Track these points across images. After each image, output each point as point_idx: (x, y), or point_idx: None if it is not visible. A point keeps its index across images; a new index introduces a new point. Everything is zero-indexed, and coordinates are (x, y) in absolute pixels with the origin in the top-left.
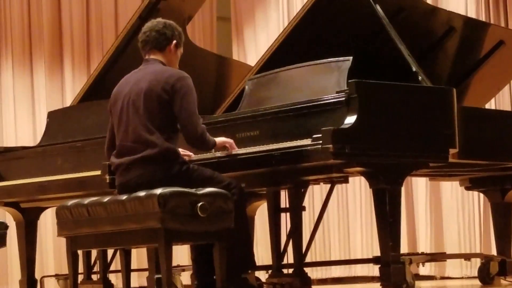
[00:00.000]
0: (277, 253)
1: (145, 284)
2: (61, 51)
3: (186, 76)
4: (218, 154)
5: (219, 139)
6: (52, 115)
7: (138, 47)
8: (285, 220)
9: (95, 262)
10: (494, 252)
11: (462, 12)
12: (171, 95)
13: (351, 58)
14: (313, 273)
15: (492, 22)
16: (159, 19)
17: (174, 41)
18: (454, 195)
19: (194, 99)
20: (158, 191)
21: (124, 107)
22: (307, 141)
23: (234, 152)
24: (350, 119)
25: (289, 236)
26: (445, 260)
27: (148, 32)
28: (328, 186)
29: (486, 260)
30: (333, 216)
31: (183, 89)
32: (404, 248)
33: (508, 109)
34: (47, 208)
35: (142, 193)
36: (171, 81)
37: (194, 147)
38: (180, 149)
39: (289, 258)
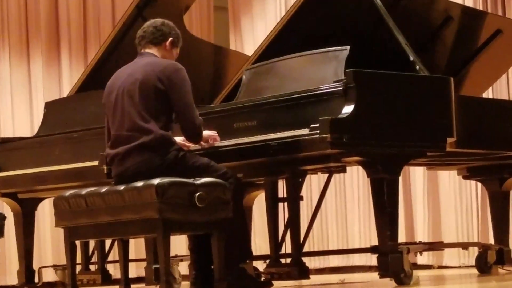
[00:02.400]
0: (275, 243)
1: (143, 274)
2: (58, 41)
3: (182, 67)
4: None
5: (205, 133)
6: (49, 106)
7: (135, 37)
8: (283, 210)
9: (93, 253)
10: (491, 241)
11: (459, 2)
12: (167, 86)
13: (348, 47)
14: (311, 262)
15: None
16: (159, 18)
17: (171, 39)
18: (452, 184)
19: (191, 91)
20: (156, 181)
21: (119, 97)
22: (305, 131)
23: (216, 145)
24: (348, 109)
25: (287, 226)
26: (443, 249)
27: (146, 28)
28: (326, 175)
29: (484, 249)
30: (331, 205)
31: (180, 82)
32: (402, 238)
33: (506, 98)
34: (44, 198)
35: (140, 183)
36: (167, 73)
37: (190, 139)
38: (179, 138)
39: (287, 248)
